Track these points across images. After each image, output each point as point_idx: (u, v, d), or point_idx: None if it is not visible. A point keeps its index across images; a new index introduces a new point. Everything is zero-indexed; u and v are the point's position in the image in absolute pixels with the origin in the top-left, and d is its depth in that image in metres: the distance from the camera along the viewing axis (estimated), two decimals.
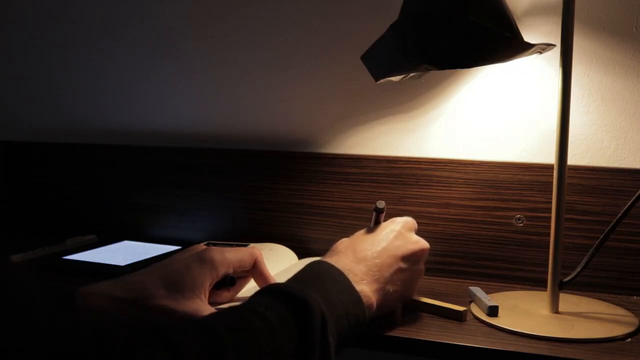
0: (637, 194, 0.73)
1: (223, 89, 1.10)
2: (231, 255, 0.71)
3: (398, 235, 0.74)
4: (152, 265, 0.68)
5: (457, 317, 0.75)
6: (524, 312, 0.77)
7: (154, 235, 1.13)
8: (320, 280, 0.64)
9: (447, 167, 0.94)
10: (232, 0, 1.07)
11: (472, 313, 0.77)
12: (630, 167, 0.86)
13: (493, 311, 0.75)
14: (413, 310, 0.78)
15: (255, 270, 0.75)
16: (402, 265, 0.72)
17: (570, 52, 0.73)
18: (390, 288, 0.70)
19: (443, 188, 0.94)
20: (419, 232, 0.95)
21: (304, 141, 1.05)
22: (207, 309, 0.65)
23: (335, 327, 0.59)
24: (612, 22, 0.86)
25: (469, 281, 0.92)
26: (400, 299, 0.74)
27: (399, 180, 0.96)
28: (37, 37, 1.23)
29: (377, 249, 0.71)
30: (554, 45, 0.76)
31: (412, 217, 0.95)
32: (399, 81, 0.83)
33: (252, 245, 0.88)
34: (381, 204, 0.77)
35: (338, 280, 0.65)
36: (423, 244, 0.75)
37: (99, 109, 1.20)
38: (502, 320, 0.73)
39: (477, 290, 0.80)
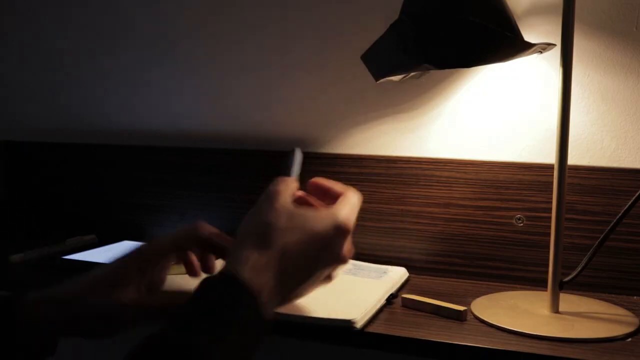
0: (637, 194, 0.73)
1: (223, 89, 1.10)
2: (161, 239, 0.68)
3: (331, 249, 0.61)
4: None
5: (457, 317, 0.75)
6: (524, 312, 0.77)
7: (154, 235, 1.13)
8: (229, 324, 0.54)
9: (447, 167, 0.94)
10: (232, 1, 1.07)
11: (472, 312, 0.77)
12: (630, 167, 0.86)
13: None
14: (413, 310, 0.78)
15: (205, 242, 0.70)
16: (315, 283, 0.63)
17: (570, 51, 0.73)
18: (289, 297, 0.62)
19: (443, 188, 0.94)
20: (419, 232, 0.96)
21: (304, 141, 1.04)
22: (135, 303, 0.65)
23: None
24: (612, 22, 0.86)
25: (469, 281, 0.92)
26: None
27: (399, 180, 0.96)
28: (37, 37, 1.23)
29: (300, 265, 0.60)
30: (554, 45, 0.76)
31: (411, 217, 0.96)
32: (399, 81, 0.84)
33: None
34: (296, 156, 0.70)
35: (248, 317, 0.55)
36: (345, 261, 0.63)
37: (98, 109, 1.20)
38: (502, 320, 0.73)
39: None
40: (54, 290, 0.66)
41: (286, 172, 0.70)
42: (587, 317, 0.76)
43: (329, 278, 0.65)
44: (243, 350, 0.55)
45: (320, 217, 0.61)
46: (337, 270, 0.64)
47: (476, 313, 0.77)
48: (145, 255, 0.67)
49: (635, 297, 0.85)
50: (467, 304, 0.80)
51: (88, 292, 0.65)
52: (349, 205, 0.64)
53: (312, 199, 0.69)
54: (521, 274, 0.91)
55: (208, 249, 0.72)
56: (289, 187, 0.65)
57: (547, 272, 0.76)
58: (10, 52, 1.26)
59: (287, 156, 0.71)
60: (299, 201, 0.67)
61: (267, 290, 0.57)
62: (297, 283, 0.61)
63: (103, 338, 0.69)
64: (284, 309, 0.65)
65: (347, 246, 0.63)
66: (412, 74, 0.83)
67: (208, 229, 0.70)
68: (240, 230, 0.62)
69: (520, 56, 0.73)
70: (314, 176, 1.02)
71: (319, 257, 0.61)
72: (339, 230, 0.61)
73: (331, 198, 0.67)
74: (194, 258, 0.71)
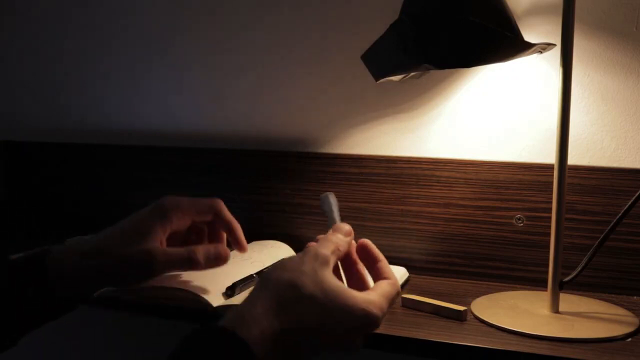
0: (637, 194, 0.73)
1: (223, 89, 1.10)
2: (185, 202, 0.72)
3: (354, 336, 0.58)
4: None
5: (457, 317, 0.75)
6: (524, 312, 0.77)
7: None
8: None
9: (447, 167, 0.94)
10: (232, 1, 1.07)
11: (472, 312, 0.77)
12: (630, 167, 0.86)
13: None
14: (413, 310, 0.78)
15: (219, 219, 0.75)
16: (318, 352, 0.58)
17: (570, 51, 0.73)
18: None
19: (443, 188, 0.94)
20: (419, 232, 0.96)
21: (304, 141, 1.05)
22: (160, 251, 0.68)
23: None
24: (612, 22, 0.86)
25: (469, 281, 0.92)
26: None
27: (399, 180, 0.96)
28: (37, 37, 1.23)
29: (315, 344, 0.56)
30: (554, 45, 0.76)
31: (411, 217, 0.96)
32: (399, 81, 0.83)
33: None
34: (328, 199, 0.67)
35: None
36: (357, 349, 0.60)
37: (98, 109, 1.20)
38: (502, 320, 0.73)
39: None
40: (82, 242, 0.70)
41: (330, 221, 0.66)
42: (587, 317, 0.76)
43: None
44: None
45: (355, 304, 0.56)
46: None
47: (476, 313, 0.77)
48: (167, 213, 0.70)
49: (635, 297, 0.85)
50: (467, 304, 0.80)
51: (117, 240, 0.68)
52: (386, 297, 0.59)
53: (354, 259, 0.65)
54: (521, 274, 0.91)
55: (221, 228, 0.75)
56: (338, 248, 0.61)
57: (547, 272, 0.76)
58: (10, 52, 1.26)
59: (322, 203, 0.68)
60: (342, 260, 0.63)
61: (269, 355, 0.52)
62: (302, 356, 0.57)
63: (132, 286, 0.72)
64: None
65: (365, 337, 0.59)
66: (412, 74, 0.83)
67: (226, 209, 0.74)
68: (266, 277, 0.57)
69: (520, 56, 0.73)
70: (314, 176, 1.02)
71: (336, 341, 0.57)
72: (369, 326, 0.57)
73: (372, 261, 0.64)
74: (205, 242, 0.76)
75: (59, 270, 0.66)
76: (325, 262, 0.58)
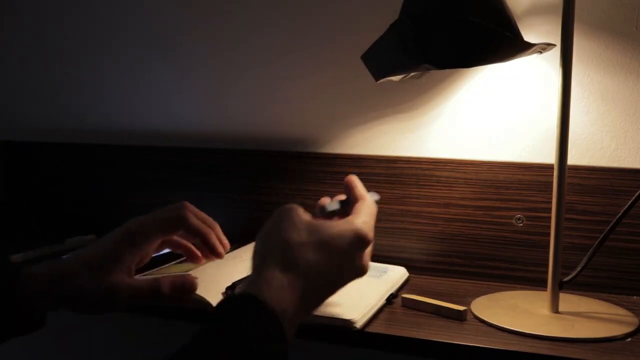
0: (637, 194, 0.73)
1: (223, 89, 1.10)
2: (149, 226, 0.69)
3: (352, 260, 0.62)
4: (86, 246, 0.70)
5: (457, 317, 0.75)
6: (524, 312, 0.77)
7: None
8: (242, 340, 0.53)
9: (447, 167, 0.94)
10: (232, 1, 1.07)
11: (472, 312, 0.77)
12: (630, 167, 0.86)
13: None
14: (413, 310, 0.78)
15: (188, 231, 0.71)
16: (334, 294, 0.62)
17: (570, 51, 0.73)
18: (311, 311, 0.62)
19: (443, 188, 0.94)
20: (419, 232, 0.96)
21: (303, 141, 1.05)
22: (126, 282, 0.66)
23: None
24: (612, 22, 0.86)
25: (469, 281, 0.92)
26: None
27: (399, 180, 0.96)
28: (37, 37, 1.23)
29: (325, 281, 0.60)
30: (554, 45, 0.76)
31: (411, 217, 0.96)
32: (399, 81, 0.84)
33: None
34: (333, 205, 0.67)
35: (273, 342, 0.54)
36: (365, 270, 0.63)
37: (98, 109, 1.20)
38: (502, 320, 0.74)
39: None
40: (51, 264, 0.68)
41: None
42: (587, 317, 0.76)
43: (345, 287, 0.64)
44: None
45: (340, 230, 0.60)
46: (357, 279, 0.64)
47: (476, 313, 0.77)
48: (135, 239, 0.68)
49: (635, 297, 0.85)
50: (467, 304, 0.80)
51: (82, 270, 0.66)
52: (366, 213, 0.63)
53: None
54: (521, 274, 0.91)
55: (192, 240, 0.74)
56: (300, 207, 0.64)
57: (547, 272, 0.76)
58: (10, 52, 1.26)
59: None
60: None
61: (291, 310, 0.56)
62: (321, 299, 0.61)
63: (93, 315, 0.70)
64: None
65: (367, 255, 0.63)
66: (412, 74, 0.83)
67: (192, 213, 0.71)
68: (259, 247, 0.61)
69: (520, 56, 0.73)
70: (314, 176, 1.02)
71: (342, 270, 0.61)
72: (360, 242, 0.61)
73: (348, 203, 0.66)
74: (186, 242, 0.74)
75: (27, 293, 0.65)
76: (290, 208, 0.62)
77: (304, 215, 0.62)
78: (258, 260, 0.60)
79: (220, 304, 0.57)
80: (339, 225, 0.61)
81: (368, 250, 0.63)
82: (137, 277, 0.69)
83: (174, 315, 0.78)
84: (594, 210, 0.87)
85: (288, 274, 0.57)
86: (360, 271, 0.62)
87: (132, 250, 0.68)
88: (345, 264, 0.61)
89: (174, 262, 0.93)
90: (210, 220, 0.74)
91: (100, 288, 0.65)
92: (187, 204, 0.72)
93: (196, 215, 0.72)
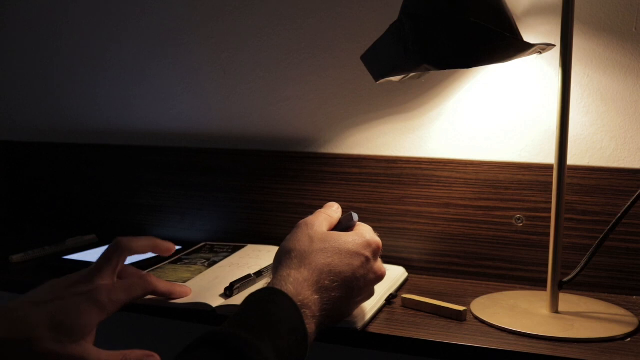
0: (637, 194, 0.73)
1: (223, 89, 1.10)
2: (121, 295, 0.69)
3: (365, 263, 0.68)
4: (43, 291, 0.67)
5: (457, 317, 0.75)
6: (523, 312, 0.77)
7: (154, 235, 1.13)
8: (274, 324, 0.59)
9: (447, 167, 0.94)
10: (232, 1, 1.07)
11: (471, 312, 0.77)
12: (630, 167, 0.87)
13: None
14: (413, 310, 0.78)
15: (156, 293, 0.76)
16: (357, 299, 0.70)
17: (570, 52, 0.73)
18: (333, 314, 0.67)
19: (443, 188, 0.94)
20: (419, 232, 0.96)
21: (304, 141, 1.05)
22: (94, 353, 0.65)
23: None
24: (612, 22, 0.86)
25: (469, 281, 0.92)
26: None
27: (399, 180, 0.96)
28: (37, 37, 1.23)
29: (339, 279, 0.66)
30: (554, 45, 0.76)
31: (410, 217, 0.96)
32: (399, 81, 0.84)
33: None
34: (354, 217, 0.73)
35: (292, 320, 0.60)
36: (382, 273, 0.71)
37: (99, 109, 1.20)
38: (501, 320, 0.74)
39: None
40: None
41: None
42: (586, 317, 0.76)
43: (370, 293, 0.72)
44: (288, 353, 0.58)
45: (350, 236, 0.69)
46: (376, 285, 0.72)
47: (476, 313, 0.77)
48: (103, 305, 0.68)
49: (634, 297, 0.85)
50: (467, 304, 0.80)
51: (51, 335, 0.63)
52: (367, 229, 0.72)
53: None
54: (521, 274, 0.91)
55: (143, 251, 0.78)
56: (321, 215, 0.73)
57: (546, 272, 0.76)
58: (10, 52, 1.26)
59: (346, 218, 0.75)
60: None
61: (311, 304, 0.63)
62: (340, 299, 0.66)
63: None
64: None
65: (380, 262, 0.71)
66: (412, 74, 0.83)
67: (159, 286, 0.75)
68: (278, 256, 0.69)
69: (520, 56, 0.73)
70: (314, 176, 1.02)
71: (356, 272, 0.67)
72: (370, 246, 0.69)
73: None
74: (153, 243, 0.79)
75: None
76: (307, 222, 0.71)
77: (319, 227, 0.70)
78: (275, 263, 0.69)
79: (247, 297, 0.63)
80: (349, 234, 0.70)
81: (379, 259, 0.71)
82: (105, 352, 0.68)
83: (174, 315, 0.78)
84: (594, 210, 0.87)
85: (302, 273, 0.65)
86: (375, 273, 0.70)
87: (101, 314, 0.68)
88: (358, 267, 0.67)
89: (167, 262, 0.94)
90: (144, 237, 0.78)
91: (65, 358, 0.63)
92: (120, 239, 0.73)
93: (132, 241, 0.74)
